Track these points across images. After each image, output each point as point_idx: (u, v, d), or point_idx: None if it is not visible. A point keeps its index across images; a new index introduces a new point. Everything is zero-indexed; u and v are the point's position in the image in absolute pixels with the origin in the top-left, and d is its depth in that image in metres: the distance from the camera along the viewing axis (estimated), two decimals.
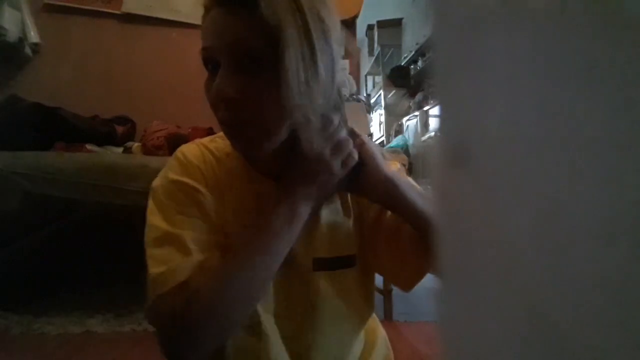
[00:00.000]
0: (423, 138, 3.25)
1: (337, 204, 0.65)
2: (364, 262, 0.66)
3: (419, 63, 4.34)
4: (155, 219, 0.56)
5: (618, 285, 0.15)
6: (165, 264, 0.51)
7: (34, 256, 1.76)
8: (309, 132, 0.54)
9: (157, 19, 2.48)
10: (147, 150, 2.05)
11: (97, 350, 1.42)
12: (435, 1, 0.18)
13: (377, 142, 4.42)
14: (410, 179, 0.63)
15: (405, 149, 3.29)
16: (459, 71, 0.18)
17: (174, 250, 0.52)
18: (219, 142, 0.65)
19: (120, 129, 2.22)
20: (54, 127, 1.94)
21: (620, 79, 0.15)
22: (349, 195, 0.66)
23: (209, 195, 0.58)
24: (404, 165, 2.09)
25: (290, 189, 0.56)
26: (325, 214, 0.64)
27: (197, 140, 0.65)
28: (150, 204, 0.59)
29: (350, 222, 0.65)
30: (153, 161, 1.73)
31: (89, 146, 1.99)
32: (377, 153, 0.60)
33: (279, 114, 0.52)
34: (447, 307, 0.18)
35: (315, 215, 0.61)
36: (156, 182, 0.60)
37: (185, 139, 2.09)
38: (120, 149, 2.11)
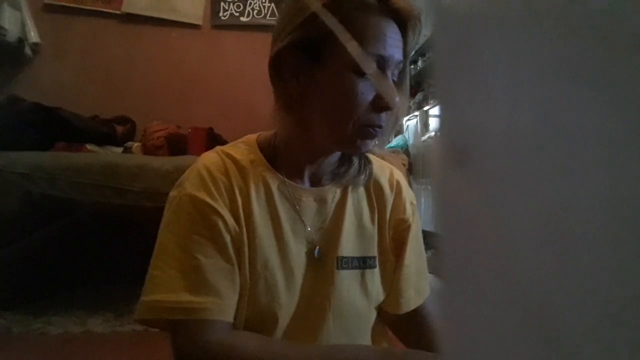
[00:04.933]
0: (423, 138, 3.24)
1: (364, 202, 0.67)
2: (382, 265, 0.66)
3: (419, 63, 4.33)
4: (168, 238, 0.57)
5: (618, 286, 0.15)
6: (168, 293, 0.54)
7: (33, 256, 1.76)
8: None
9: (157, 19, 2.48)
10: (147, 150, 2.05)
11: (97, 350, 1.42)
12: (435, 1, 0.18)
13: None
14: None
15: (405, 149, 3.28)
16: (459, 71, 0.18)
17: (180, 281, 0.54)
18: (241, 147, 0.65)
19: (120, 129, 2.22)
20: (54, 127, 1.94)
21: (620, 79, 0.15)
22: (373, 196, 0.67)
23: (227, 215, 0.58)
24: (404, 165, 2.09)
25: None
26: (350, 213, 0.65)
27: (218, 148, 0.65)
28: (166, 216, 0.59)
29: (374, 225, 0.66)
30: (153, 161, 1.73)
31: (89, 146, 1.99)
32: None
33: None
34: (448, 306, 0.18)
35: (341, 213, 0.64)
36: (173, 193, 0.60)
37: (185, 139, 2.09)
38: (120, 149, 2.11)
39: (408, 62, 0.61)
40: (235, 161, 0.62)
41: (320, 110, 0.59)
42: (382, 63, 0.56)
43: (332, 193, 0.65)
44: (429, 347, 0.67)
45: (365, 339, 0.67)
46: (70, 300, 1.77)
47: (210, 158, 0.62)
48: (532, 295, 0.16)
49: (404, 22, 0.58)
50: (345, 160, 0.66)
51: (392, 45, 0.57)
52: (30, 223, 1.79)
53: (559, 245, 0.16)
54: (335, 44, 0.54)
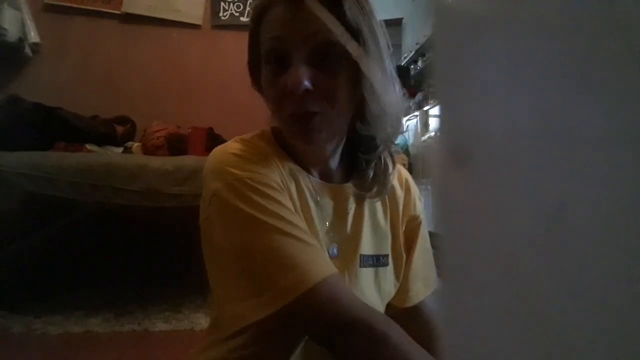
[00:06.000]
0: (423, 138, 3.24)
1: (378, 202, 0.67)
2: (395, 262, 0.67)
3: (419, 63, 4.34)
4: (246, 228, 0.51)
5: (618, 285, 0.15)
6: (294, 269, 0.48)
7: (34, 256, 1.77)
8: (385, 125, 0.59)
9: (157, 19, 2.48)
10: (147, 150, 2.06)
11: (97, 350, 1.42)
12: (435, 1, 0.18)
13: None
14: None
15: (405, 149, 3.29)
16: (459, 71, 0.18)
17: (297, 246, 0.50)
18: (257, 139, 0.63)
19: (120, 129, 2.22)
20: (54, 127, 1.95)
21: (619, 79, 0.15)
22: (386, 195, 0.67)
23: (285, 192, 0.56)
24: (404, 165, 2.09)
25: None
26: (367, 212, 0.65)
27: (237, 138, 0.61)
28: (226, 209, 0.53)
29: (387, 223, 0.67)
30: (153, 161, 1.73)
31: (89, 146, 1.99)
32: None
33: (347, 108, 0.57)
34: (449, 307, 0.18)
35: (360, 212, 0.64)
36: (217, 185, 0.54)
37: (185, 139, 2.09)
38: (120, 149, 2.12)
39: (364, 36, 0.54)
40: (260, 150, 0.59)
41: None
42: (279, 45, 0.53)
43: (351, 191, 0.64)
44: (429, 344, 0.67)
45: None
46: (70, 300, 1.77)
47: (234, 145, 0.59)
48: (533, 295, 0.16)
49: None
50: (354, 157, 0.64)
51: (291, 23, 0.52)
52: (30, 223, 1.79)
53: (559, 245, 0.16)
54: (261, 44, 0.56)
